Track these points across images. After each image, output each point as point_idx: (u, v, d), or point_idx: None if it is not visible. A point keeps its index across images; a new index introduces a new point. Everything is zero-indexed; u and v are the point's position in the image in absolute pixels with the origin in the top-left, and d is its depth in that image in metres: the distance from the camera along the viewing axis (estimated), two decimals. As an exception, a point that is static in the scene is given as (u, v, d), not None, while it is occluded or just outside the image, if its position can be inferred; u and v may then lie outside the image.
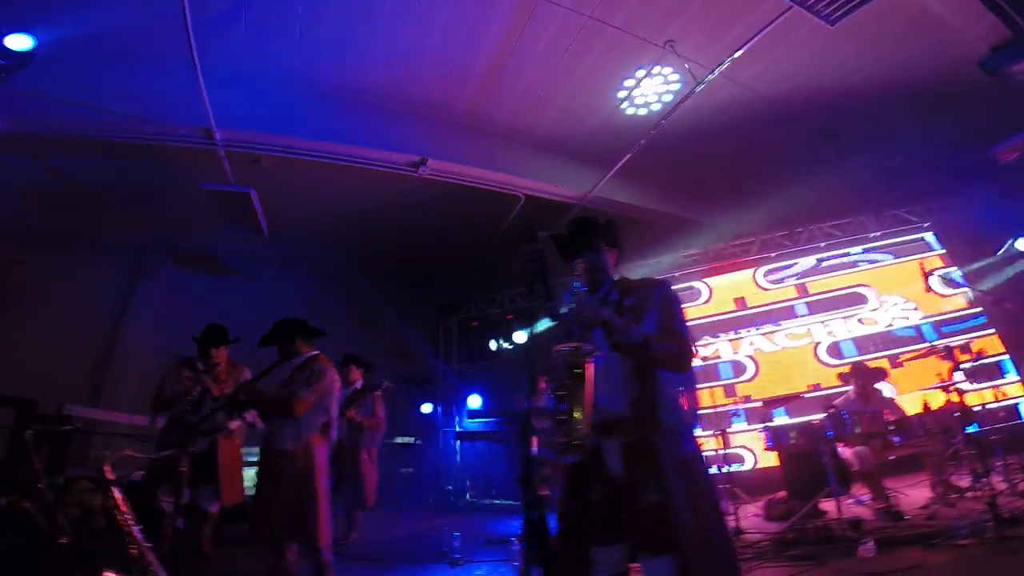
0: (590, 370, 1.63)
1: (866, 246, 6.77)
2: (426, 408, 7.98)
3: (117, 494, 2.12)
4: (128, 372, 7.83)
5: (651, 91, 5.68)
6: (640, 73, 5.51)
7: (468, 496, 7.63)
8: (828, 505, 3.81)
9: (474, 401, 7.53)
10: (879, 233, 6.78)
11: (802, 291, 6.71)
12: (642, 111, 5.91)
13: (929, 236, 6.69)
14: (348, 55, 5.31)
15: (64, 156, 6.21)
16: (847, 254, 6.79)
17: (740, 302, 6.93)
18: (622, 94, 5.79)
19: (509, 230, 7.44)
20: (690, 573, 1.55)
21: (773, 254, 6.88)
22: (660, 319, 1.86)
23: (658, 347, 1.77)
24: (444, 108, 6.05)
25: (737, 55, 4.95)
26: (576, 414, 1.61)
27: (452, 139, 6.24)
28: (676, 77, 5.53)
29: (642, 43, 5.18)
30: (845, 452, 4.02)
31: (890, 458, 4.06)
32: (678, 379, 1.87)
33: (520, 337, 7.78)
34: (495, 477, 7.45)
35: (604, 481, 1.72)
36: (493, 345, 8.13)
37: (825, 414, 4.17)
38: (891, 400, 4.48)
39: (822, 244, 6.83)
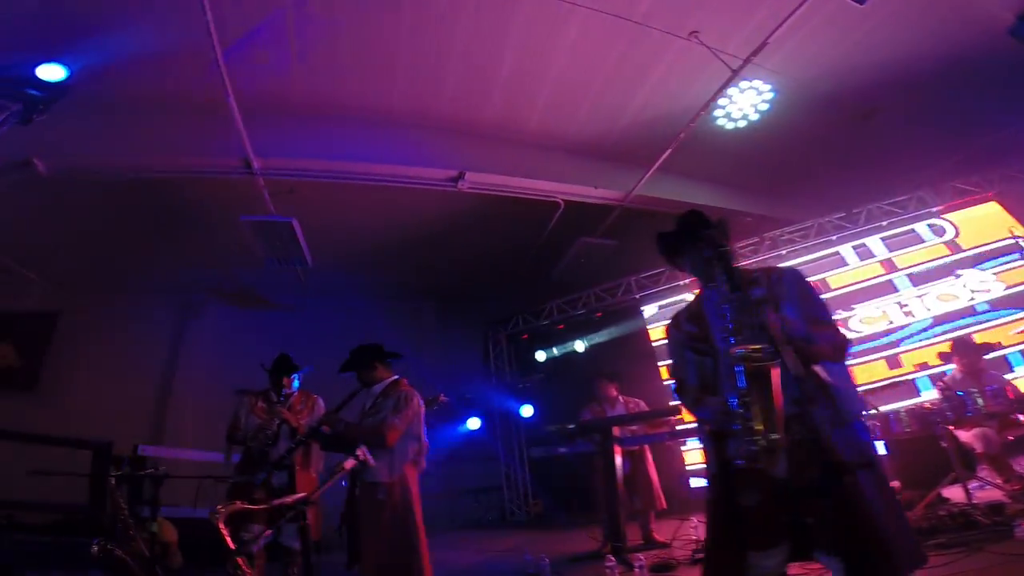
0: (776, 373, 1.53)
1: (930, 221, 6.42)
2: (473, 423, 7.76)
3: (241, 561, 1.95)
4: (186, 410, 7.88)
5: (746, 103, 5.69)
6: (733, 91, 5.52)
7: (530, 513, 7.36)
8: (950, 492, 3.50)
9: (527, 411, 7.33)
10: (941, 207, 6.43)
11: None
12: (741, 123, 5.90)
13: (994, 206, 6.31)
14: (371, 77, 5.33)
15: (107, 198, 6.30)
16: (912, 231, 6.44)
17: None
18: (719, 111, 5.78)
19: (550, 239, 7.30)
20: (887, 562, 1.44)
21: (834, 237, 6.56)
22: (801, 308, 1.74)
23: (820, 340, 1.67)
24: (473, 122, 6.01)
25: (772, 38, 4.80)
26: (763, 419, 1.53)
27: (485, 152, 6.18)
28: (767, 87, 5.53)
29: (665, 36, 5.08)
30: (964, 435, 3.71)
31: (1010, 438, 3.71)
32: (836, 369, 1.73)
33: (580, 347, 7.53)
34: (558, 491, 7.17)
35: (762, 484, 1.59)
36: (541, 356, 7.88)
37: (939, 396, 3.84)
38: (1000, 375, 4.13)
39: (884, 223, 6.51)
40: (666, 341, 2.05)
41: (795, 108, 5.93)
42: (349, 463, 2.39)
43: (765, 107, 5.69)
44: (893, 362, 5.86)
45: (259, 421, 3.61)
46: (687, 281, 6.92)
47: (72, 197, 6.22)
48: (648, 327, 7.11)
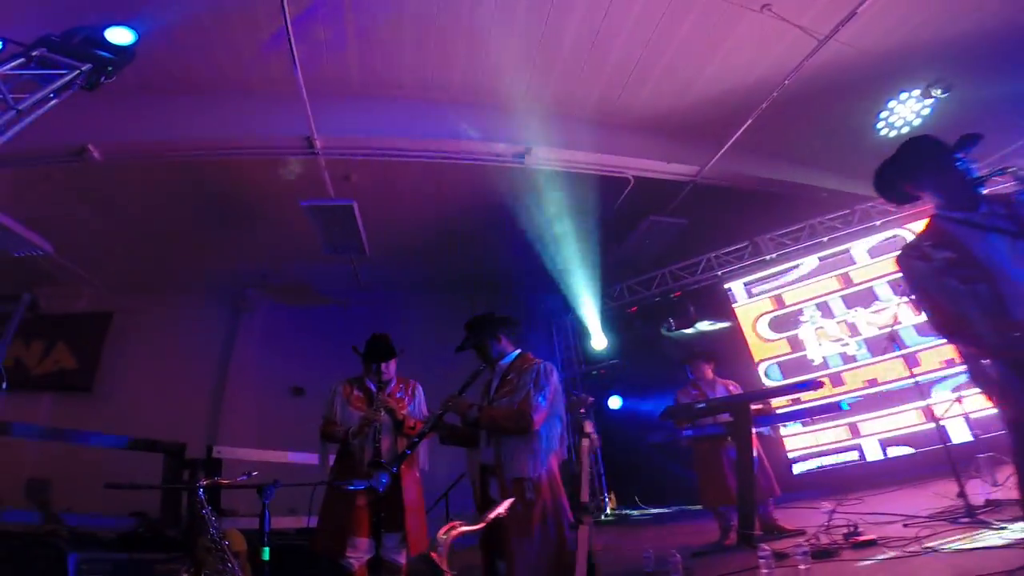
0: None
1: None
2: None
3: None
4: (239, 409, 7.74)
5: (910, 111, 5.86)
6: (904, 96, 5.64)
7: (601, 506, 6.95)
8: None
9: (614, 402, 6.89)
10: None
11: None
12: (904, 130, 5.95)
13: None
14: (430, 54, 5.13)
15: (160, 187, 6.22)
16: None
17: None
18: (880, 125, 5.87)
19: (616, 219, 6.95)
20: None
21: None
22: None
23: None
24: (535, 98, 5.67)
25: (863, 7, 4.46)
26: None
27: (550, 128, 5.83)
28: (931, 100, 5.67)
29: (738, 9, 4.79)
30: None
31: None
32: None
33: (663, 331, 7.01)
34: (638, 483, 6.75)
35: None
36: (600, 343, 7.40)
37: None
38: None
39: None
40: (906, 276, 1.80)
41: (867, 82, 5.61)
42: (586, 443, 1.92)
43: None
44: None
45: (359, 413, 3.08)
46: (773, 256, 6.46)
47: (125, 190, 6.18)
48: (734, 305, 6.65)
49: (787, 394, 3.89)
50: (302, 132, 5.15)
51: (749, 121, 5.61)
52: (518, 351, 2.79)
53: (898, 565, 2.86)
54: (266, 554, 2.24)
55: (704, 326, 6.86)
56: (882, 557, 2.96)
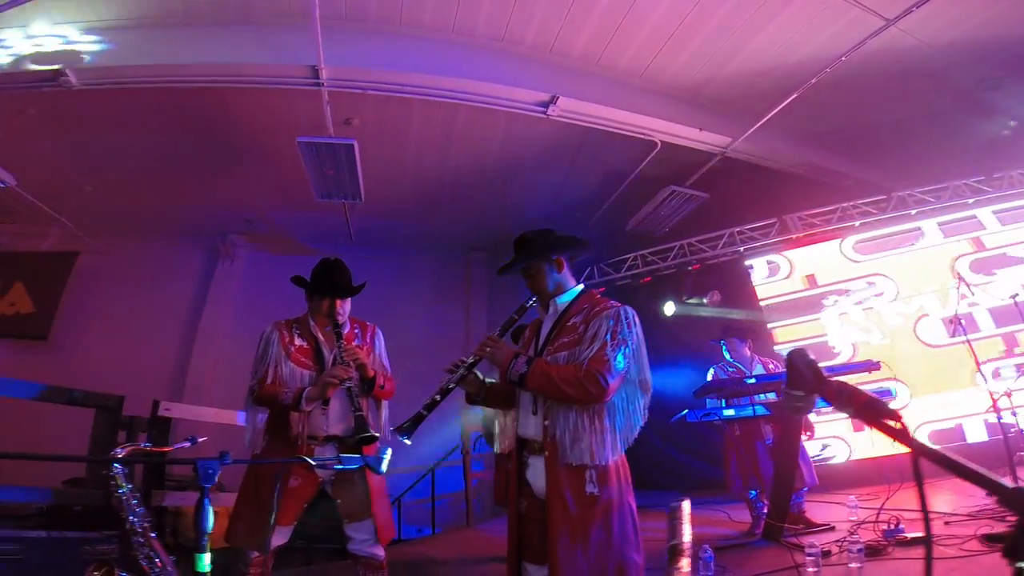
0: None
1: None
2: None
3: None
4: (209, 365, 7.18)
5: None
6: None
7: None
8: None
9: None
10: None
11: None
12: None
13: None
14: None
15: (143, 120, 5.63)
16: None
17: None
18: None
19: (633, 186, 6.60)
20: None
21: (971, 200, 5.80)
22: None
23: None
24: (562, 52, 5.29)
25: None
26: None
27: (575, 82, 5.42)
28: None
29: None
30: None
31: None
32: None
33: (669, 309, 6.60)
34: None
35: None
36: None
37: None
38: None
39: (1024, 190, 5.74)
40: None
41: (920, 72, 5.34)
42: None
43: (879, 68, 5.18)
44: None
45: (306, 372, 2.42)
46: (800, 235, 6.17)
47: (104, 121, 5.58)
48: (755, 285, 6.29)
49: (846, 373, 3.57)
50: (307, 61, 4.64)
51: (796, 95, 5.30)
52: (580, 286, 2.06)
53: (967, 564, 2.58)
54: (202, 564, 1.42)
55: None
56: (944, 557, 2.68)
